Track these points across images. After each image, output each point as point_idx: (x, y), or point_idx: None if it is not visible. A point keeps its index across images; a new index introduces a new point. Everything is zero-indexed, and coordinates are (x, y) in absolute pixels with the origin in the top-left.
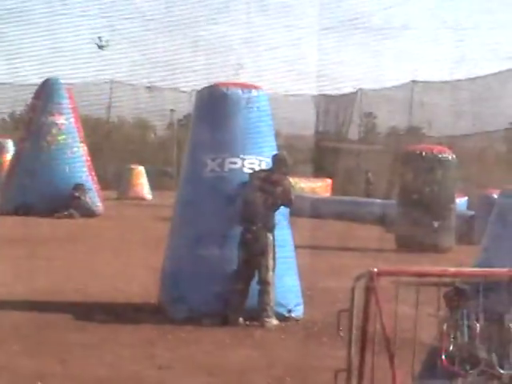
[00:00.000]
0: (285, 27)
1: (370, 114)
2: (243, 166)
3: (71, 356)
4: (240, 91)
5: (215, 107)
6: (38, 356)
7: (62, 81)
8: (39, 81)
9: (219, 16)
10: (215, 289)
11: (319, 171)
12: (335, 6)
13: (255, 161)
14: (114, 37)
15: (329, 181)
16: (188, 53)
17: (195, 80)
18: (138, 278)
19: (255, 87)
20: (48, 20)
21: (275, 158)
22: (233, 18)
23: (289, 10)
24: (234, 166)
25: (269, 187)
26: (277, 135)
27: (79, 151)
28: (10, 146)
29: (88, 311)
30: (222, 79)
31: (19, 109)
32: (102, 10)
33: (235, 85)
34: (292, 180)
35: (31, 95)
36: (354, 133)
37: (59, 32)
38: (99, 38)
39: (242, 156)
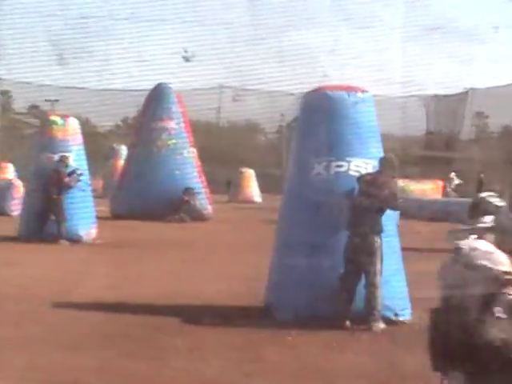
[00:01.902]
0: (370, 35)
1: (481, 114)
2: (349, 169)
3: (178, 359)
4: (345, 94)
5: (321, 110)
6: (144, 359)
7: (172, 86)
8: (149, 87)
9: (304, 26)
10: (310, 296)
11: (430, 173)
12: (422, 12)
13: (362, 164)
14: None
15: (440, 183)
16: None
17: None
18: (247, 281)
19: (361, 90)
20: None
21: (382, 161)
22: (318, 28)
23: (373, 18)
24: (339, 170)
25: (375, 190)
26: (385, 137)
27: (189, 155)
28: (124, 151)
29: (197, 314)
30: (306, 89)
31: (131, 114)
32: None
33: (341, 88)
34: (401, 182)
35: (142, 101)
36: (465, 133)
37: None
38: (185, 50)
39: (348, 159)
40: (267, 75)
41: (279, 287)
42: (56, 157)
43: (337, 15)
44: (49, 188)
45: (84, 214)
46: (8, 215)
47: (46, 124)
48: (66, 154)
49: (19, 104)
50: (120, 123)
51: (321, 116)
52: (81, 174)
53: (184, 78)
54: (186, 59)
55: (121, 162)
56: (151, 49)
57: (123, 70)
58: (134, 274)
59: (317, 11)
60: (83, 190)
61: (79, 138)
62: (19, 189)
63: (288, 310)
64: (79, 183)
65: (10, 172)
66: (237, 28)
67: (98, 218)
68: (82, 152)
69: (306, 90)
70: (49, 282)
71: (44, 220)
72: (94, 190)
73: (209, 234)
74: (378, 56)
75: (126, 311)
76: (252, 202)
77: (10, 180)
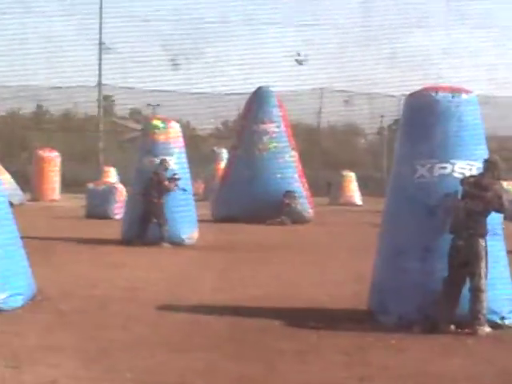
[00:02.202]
0: (486, 35)
1: None
2: (453, 171)
3: (284, 362)
4: (450, 95)
5: (424, 112)
6: (250, 361)
7: (273, 89)
8: (249, 90)
9: (417, 27)
10: (421, 300)
11: None
12: None
13: (466, 166)
14: (312, 51)
15: None
16: (385, 64)
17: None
18: (349, 284)
19: (465, 91)
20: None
21: (486, 162)
22: (432, 28)
23: (488, 16)
24: (443, 172)
25: (479, 192)
26: (490, 138)
27: (290, 159)
28: (224, 155)
29: (301, 317)
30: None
31: (232, 118)
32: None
33: (444, 89)
34: (506, 184)
35: (243, 104)
36: None
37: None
38: (298, 53)
39: (452, 161)
40: (377, 77)
41: (384, 290)
42: (157, 160)
43: (451, 15)
44: (150, 191)
45: (186, 217)
46: (111, 219)
47: (148, 128)
48: (168, 158)
49: (121, 109)
50: (220, 126)
51: (424, 118)
52: (179, 179)
53: (287, 80)
54: (299, 62)
55: (222, 165)
56: (260, 52)
57: (227, 74)
58: (237, 277)
59: (431, 12)
60: (184, 191)
61: (180, 142)
62: (122, 192)
63: (392, 313)
64: (178, 187)
65: (112, 176)
66: (348, 30)
67: (200, 221)
68: (184, 155)
69: (408, 92)
70: (154, 284)
71: (146, 223)
72: (195, 194)
73: (310, 236)
74: (494, 56)
75: (230, 314)
76: (353, 204)
77: (113, 184)
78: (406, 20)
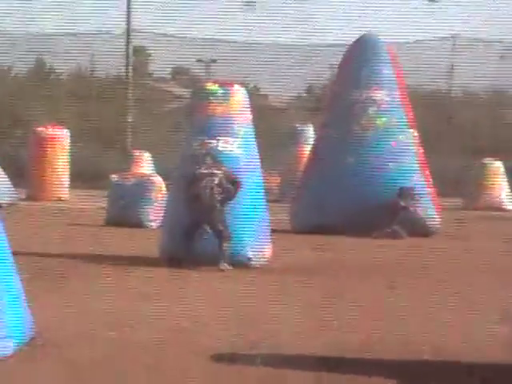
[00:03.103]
0: None
1: None
2: None
3: None
4: None
5: None
6: None
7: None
8: (347, 40)
9: None
10: None
11: None
12: None
13: None
14: None
15: None
16: None
17: None
18: (497, 326)
19: None
20: None
21: None
22: None
23: None
24: None
25: None
26: None
27: (408, 140)
28: (310, 134)
29: (424, 377)
30: None
31: (321, 81)
32: None
33: None
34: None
35: (338, 61)
36: None
37: None
38: None
39: None
40: None
41: None
42: (214, 143)
43: None
44: (208, 191)
45: (253, 227)
46: (144, 227)
47: (198, 95)
48: (229, 139)
49: (159, 67)
50: (304, 94)
51: None
52: (238, 186)
53: (403, 26)
54: None
55: (306, 151)
56: None
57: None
58: (331, 314)
59: None
60: (253, 191)
61: (247, 116)
62: (160, 189)
63: None
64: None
65: (145, 165)
66: None
67: (275, 231)
68: (252, 135)
69: None
70: (209, 323)
71: (197, 235)
72: (268, 191)
73: (438, 255)
74: None
75: (321, 367)
76: (500, 209)
77: (147, 176)
78: None
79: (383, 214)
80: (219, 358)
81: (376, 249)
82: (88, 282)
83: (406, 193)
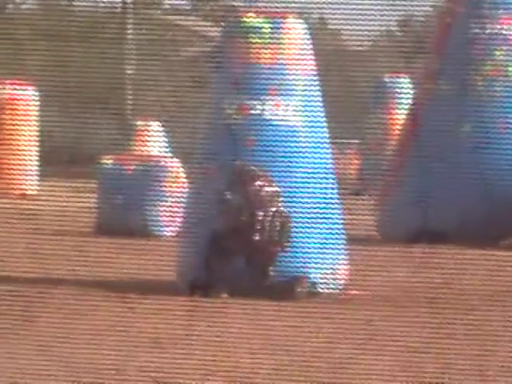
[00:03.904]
0: None
1: None
2: None
3: None
4: None
5: None
6: None
7: None
8: None
9: None
10: None
11: None
12: None
13: None
14: None
15: None
16: None
17: None
18: None
19: None
20: None
21: None
22: None
23: None
24: None
25: None
26: None
27: None
28: (405, 92)
29: None
30: None
31: (420, 9)
32: None
33: None
34: None
35: None
36: None
37: None
38: None
39: None
40: None
41: None
42: (258, 108)
43: None
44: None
45: (320, 237)
46: (152, 236)
47: (233, 33)
48: (281, 101)
49: None
50: (396, 30)
51: None
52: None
53: None
54: None
55: (399, 115)
56: None
57: None
58: (443, 365)
59: None
60: (320, 183)
61: (309, 65)
62: (176, 178)
63: None
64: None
65: (153, 141)
66: None
67: (353, 240)
68: (316, 95)
69: None
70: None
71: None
72: (341, 181)
73: None
74: None
75: None
76: None
77: (156, 159)
78: None
79: None
80: None
81: (509, 265)
82: (71, 319)
83: None
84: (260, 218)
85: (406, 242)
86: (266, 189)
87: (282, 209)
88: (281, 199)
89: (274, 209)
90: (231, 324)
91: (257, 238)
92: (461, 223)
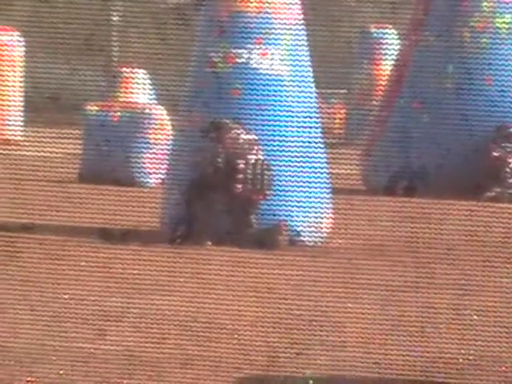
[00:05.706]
0: None
1: None
2: None
3: None
4: None
5: None
6: None
7: None
8: None
9: None
10: None
11: None
12: None
13: None
14: None
15: None
16: None
17: None
18: None
19: None
20: None
21: None
22: None
23: None
24: None
25: None
26: None
27: None
28: (391, 41)
29: None
30: None
31: None
32: None
33: None
34: None
35: None
36: None
37: None
38: None
39: None
40: None
41: None
42: (244, 56)
43: None
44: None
45: (304, 187)
46: (137, 185)
47: None
48: (268, 50)
49: None
50: None
51: None
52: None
53: None
54: None
55: (385, 67)
56: None
57: None
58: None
59: None
60: (305, 133)
61: (296, 14)
62: (161, 127)
63: None
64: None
65: (140, 88)
66: None
67: (337, 190)
68: (303, 44)
69: None
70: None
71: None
72: (327, 131)
73: None
74: None
75: None
76: None
77: (142, 107)
78: None
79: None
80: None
81: (489, 216)
82: (53, 264)
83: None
84: (241, 166)
85: (391, 192)
86: (243, 136)
87: (262, 157)
88: (259, 147)
89: (254, 157)
90: (215, 271)
91: (238, 186)
92: (442, 164)
